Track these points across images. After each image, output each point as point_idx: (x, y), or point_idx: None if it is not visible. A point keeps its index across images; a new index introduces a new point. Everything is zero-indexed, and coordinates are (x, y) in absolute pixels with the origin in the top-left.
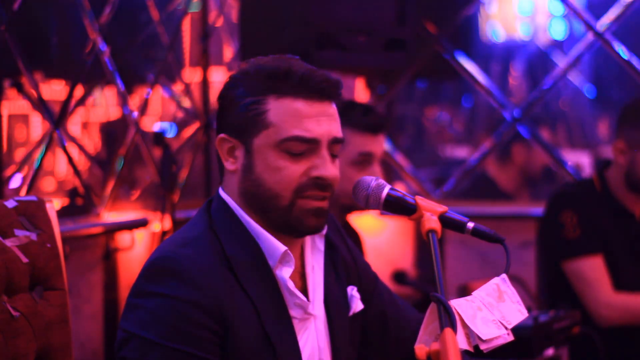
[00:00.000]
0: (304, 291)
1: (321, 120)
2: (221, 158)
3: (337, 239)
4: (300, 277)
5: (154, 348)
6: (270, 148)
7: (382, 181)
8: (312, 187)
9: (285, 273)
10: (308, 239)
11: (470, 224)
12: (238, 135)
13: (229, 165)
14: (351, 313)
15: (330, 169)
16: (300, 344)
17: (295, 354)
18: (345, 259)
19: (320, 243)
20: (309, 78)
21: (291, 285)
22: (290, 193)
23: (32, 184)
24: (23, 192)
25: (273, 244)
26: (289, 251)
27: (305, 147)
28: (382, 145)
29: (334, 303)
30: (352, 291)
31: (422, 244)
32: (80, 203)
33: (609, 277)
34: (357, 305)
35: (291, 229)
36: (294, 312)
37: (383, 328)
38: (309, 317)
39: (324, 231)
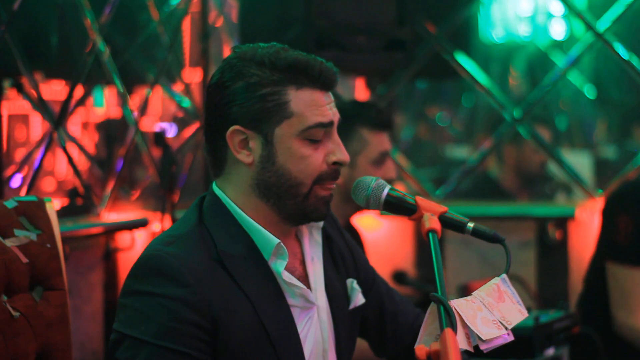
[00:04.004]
0: (306, 280)
1: (331, 108)
2: (232, 151)
3: (334, 231)
4: (301, 264)
5: (143, 347)
6: (292, 137)
7: (382, 181)
8: (330, 175)
9: (279, 266)
10: (306, 232)
11: (470, 224)
12: (253, 126)
13: (244, 157)
14: (352, 306)
15: (345, 153)
16: (303, 332)
17: (294, 340)
18: (342, 251)
19: (317, 235)
20: (323, 70)
21: (287, 276)
22: (311, 181)
23: (32, 184)
24: (23, 192)
25: (266, 237)
26: (282, 244)
27: (323, 132)
28: (389, 142)
29: (335, 294)
30: (353, 283)
31: (422, 244)
32: (80, 203)
33: None
34: (359, 299)
35: (304, 217)
36: (293, 301)
37: (380, 322)
38: (311, 306)
39: (321, 224)
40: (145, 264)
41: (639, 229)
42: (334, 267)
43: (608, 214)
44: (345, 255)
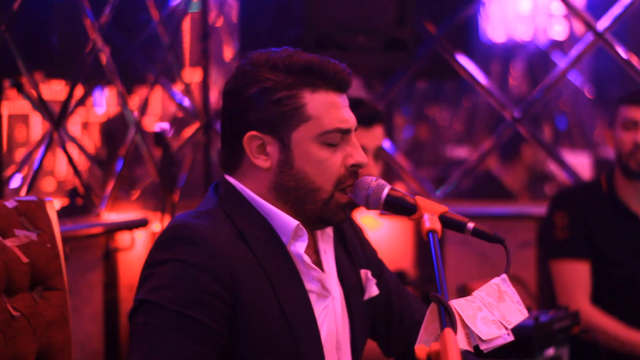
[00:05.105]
0: (321, 269)
1: (348, 110)
2: (249, 156)
3: (345, 223)
4: (315, 253)
5: (160, 311)
6: (310, 141)
7: (382, 181)
8: (350, 177)
9: (299, 248)
10: None
11: (470, 224)
12: (270, 130)
13: (261, 162)
14: (367, 297)
15: (363, 154)
16: (319, 321)
17: (311, 325)
18: (354, 242)
19: (329, 228)
20: (337, 72)
21: (307, 259)
22: (331, 186)
23: (32, 184)
24: (23, 192)
25: (284, 220)
26: (301, 225)
27: (341, 137)
28: (375, 138)
29: (350, 285)
30: (368, 274)
31: (422, 244)
32: (80, 203)
33: (587, 286)
34: (373, 290)
35: (322, 222)
36: (311, 286)
37: (388, 317)
38: (327, 295)
39: None
40: (172, 232)
41: (575, 222)
42: (348, 257)
43: (547, 216)
44: (356, 246)
